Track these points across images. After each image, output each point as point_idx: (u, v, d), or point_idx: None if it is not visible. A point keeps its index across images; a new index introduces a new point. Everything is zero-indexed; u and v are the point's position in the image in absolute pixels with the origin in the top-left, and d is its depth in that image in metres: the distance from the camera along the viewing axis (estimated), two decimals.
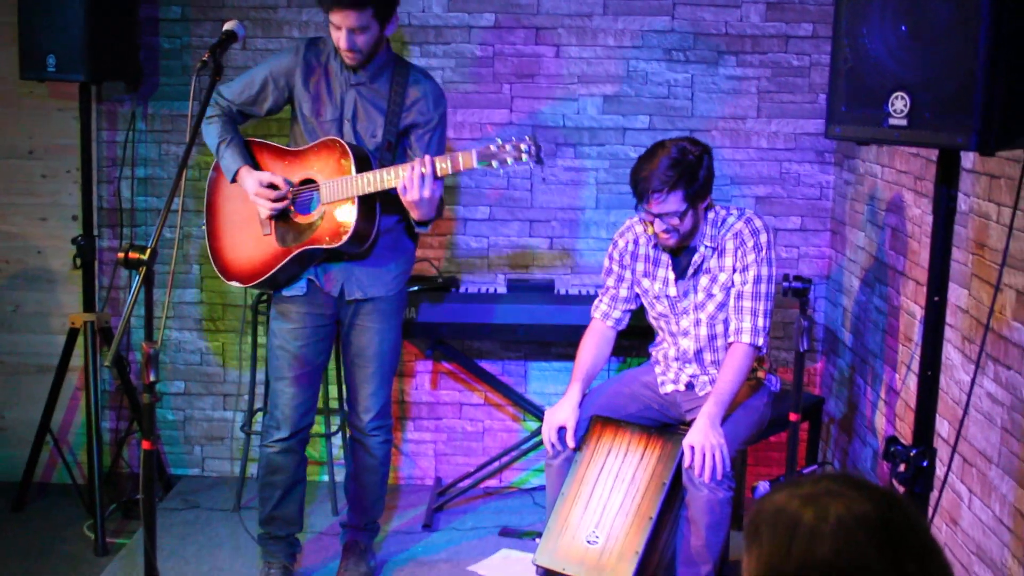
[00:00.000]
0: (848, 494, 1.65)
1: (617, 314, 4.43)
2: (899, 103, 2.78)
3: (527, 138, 3.87)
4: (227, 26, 3.83)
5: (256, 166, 4.20)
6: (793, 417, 4.33)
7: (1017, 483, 3.39)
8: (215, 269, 4.33)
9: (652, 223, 4.13)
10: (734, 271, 4.18)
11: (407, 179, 3.87)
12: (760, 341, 4.15)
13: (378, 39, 4.05)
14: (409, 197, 3.89)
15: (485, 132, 5.31)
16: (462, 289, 5.26)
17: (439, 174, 3.91)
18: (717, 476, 3.95)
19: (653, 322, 4.46)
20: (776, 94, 5.26)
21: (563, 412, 4.25)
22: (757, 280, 4.16)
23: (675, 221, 4.08)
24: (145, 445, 3.36)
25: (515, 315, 5.09)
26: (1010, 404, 3.45)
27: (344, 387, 4.43)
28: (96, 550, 4.75)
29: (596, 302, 4.48)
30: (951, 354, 3.87)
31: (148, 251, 3.33)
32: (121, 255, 3.37)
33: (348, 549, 4.53)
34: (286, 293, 4.25)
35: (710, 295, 4.23)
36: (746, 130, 5.29)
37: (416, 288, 5.11)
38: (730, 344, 4.18)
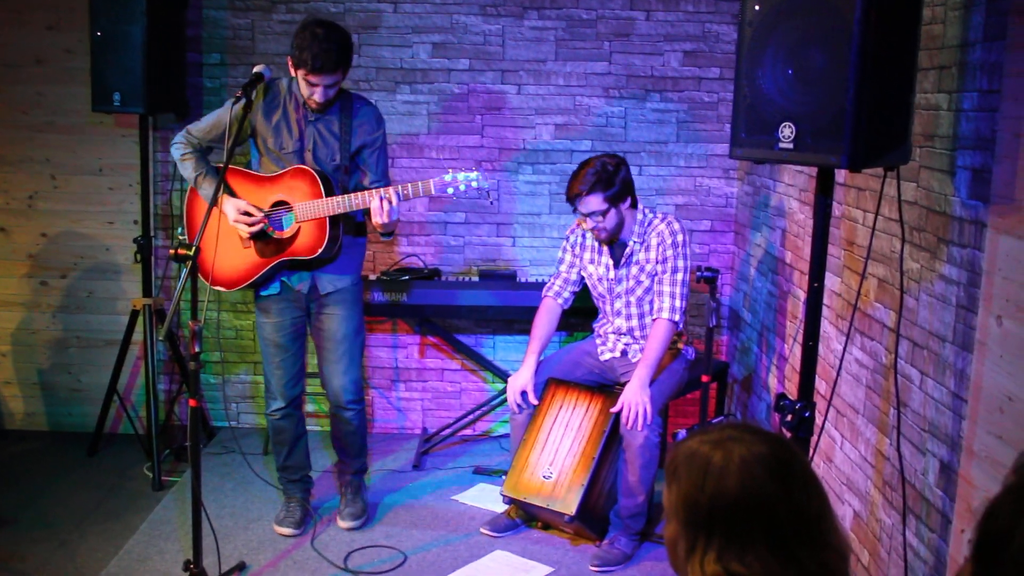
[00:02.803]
0: (748, 439, 1.65)
1: (566, 294, 4.43)
2: (787, 131, 2.79)
3: (475, 173, 3.83)
4: (256, 69, 3.80)
5: (230, 190, 4.04)
6: (705, 379, 4.35)
7: (878, 429, 3.41)
8: (200, 275, 4.12)
9: (584, 221, 4.18)
10: (657, 262, 4.20)
11: (377, 209, 3.80)
12: (677, 317, 4.17)
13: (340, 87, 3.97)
14: (379, 220, 3.81)
15: (462, 153, 5.29)
16: (443, 278, 5.24)
17: (403, 198, 3.84)
18: (638, 427, 3.98)
19: (595, 301, 4.47)
20: (691, 123, 5.27)
21: (522, 378, 4.25)
22: (675, 271, 4.18)
23: (599, 219, 4.14)
24: (191, 403, 3.35)
25: (485, 298, 5.07)
26: (873, 367, 3.47)
27: (320, 371, 4.27)
28: (153, 486, 4.71)
29: (548, 285, 4.46)
30: (827, 328, 3.89)
31: (193, 249, 3.31)
32: (172, 252, 3.36)
33: (345, 487, 4.45)
34: (263, 293, 4.13)
35: (639, 282, 4.25)
36: (668, 152, 5.29)
37: (407, 277, 5.10)
38: (654, 320, 4.20)
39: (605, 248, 4.33)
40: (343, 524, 4.32)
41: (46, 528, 4.29)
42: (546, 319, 4.40)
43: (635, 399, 4.00)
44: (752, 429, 1.68)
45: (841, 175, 3.72)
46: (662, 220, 4.25)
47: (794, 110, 2.77)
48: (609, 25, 5.18)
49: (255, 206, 3.99)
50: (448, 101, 5.27)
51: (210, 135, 4.04)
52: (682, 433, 4.15)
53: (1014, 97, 2.61)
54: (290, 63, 3.87)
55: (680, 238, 4.21)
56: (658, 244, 4.22)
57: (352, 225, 4.11)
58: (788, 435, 2.99)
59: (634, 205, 4.24)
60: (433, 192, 3.84)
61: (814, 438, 3.06)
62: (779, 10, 2.79)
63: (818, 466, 3.95)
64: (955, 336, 2.90)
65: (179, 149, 4.05)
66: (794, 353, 4.33)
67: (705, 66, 5.21)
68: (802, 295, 4.16)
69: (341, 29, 3.86)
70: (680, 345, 4.41)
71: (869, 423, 3.49)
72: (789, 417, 2.99)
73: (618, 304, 4.33)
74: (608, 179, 4.09)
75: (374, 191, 3.84)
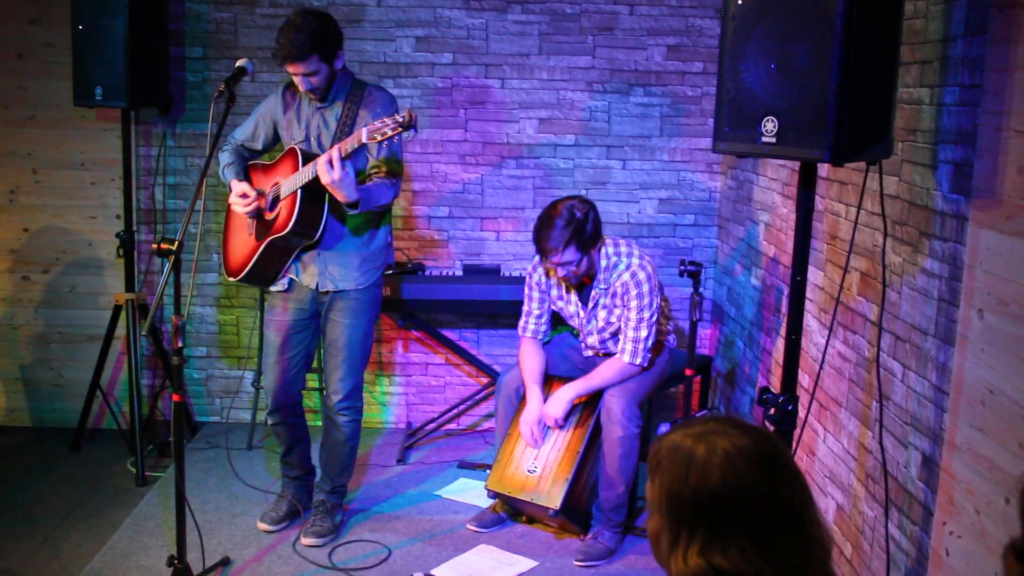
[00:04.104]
0: (730, 432, 1.65)
1: (543, 328, 4.39)
2: (769, 125, 2.79)
3: (406, 110, 3.55)
4: (239, 63, 3.76)
5: (249, 180, 4.06)
6: (688, 372, 4.35)
7: (861, 422, 3.42)
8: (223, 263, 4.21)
9: (555, 270, 4.10)
10: (624, 308, 4.15)
11: (318, 167, 3.63)
12: (638, 361, 4.13)
13: (330, 75, 3.88)
14: (323, 181, 3.63)
15: (445, 147, 5.28)
16: (427, 272, 5.23)
17: (343, 155, 3.61)
18: (538, 443, 4.14)
19: (569, 325, 4.46)
20: (675, 118, 5.27)
21: (535, 412, 4.22)
22: (640, 321, 4.12)
23: (573, 268, 4.06)
24: (175, 398, 3.33)
25: (469, 293, 5.07)
26: (855, 360, 3.49)
27: (322, 371, 4.20)
28: (137, 482, 4.70)
29: (522, 324, 4.40)
30: (810, 322, 3.90)
31: (176, 243, 3.30)
32: (155, 246, 3.34)
33: (317, 507, 4.23)
34: (273, 289, 4.10)
35: (608, 323, 4.22)
36: (651, 146, 5.30)
37: (391, 272, 5.09)
38: (614, 356, 4.19)
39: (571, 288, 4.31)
40: (305, 540, 4.10)
41: (29, 524, 4.27)
42: (532, 353, 4.34)
43: (550, 412, 4.14)
44: (735, 422, 1.68)
45: (824, 169, 3.73)
46: (627, 268, 4.13)
47: (777, 104, 2.77)
48: (593, 19, 5.18)
49: (256, 188, 4.01)
50: (432, 95, 5.25)
51: (242, 136, 4.15)
52: (665, 426, 4.16)
53: (995, 91, 2.62)
54: None
55: (645, 288, 4.11)
56: (623, 294, 4.14)
57: (364, 227, 4.00)
58: (771, 428, 3.00)
59: (601, 245, 4.16)
60: (364, 139, 3.59)
61: (797, 431, 3.07)
62: (762, 4, 2.80)
63: (801, 459, 3.96)
64: (937, 329, 2.91)
65: (224, 153, 4.15)
66: (777, 347, 4.34)
67: (688, 60, 5.21)
68: (785, 289, 4.17)
69: (319, 17, 3.79)
70: (662, 339, 4.40)
71: (852, 416, 3.50)
72: (772, 410, 2.99)
73: (591, 340, 4.32)
74: (580, 228, 3.97)
75: (322, 155, 3.69)
